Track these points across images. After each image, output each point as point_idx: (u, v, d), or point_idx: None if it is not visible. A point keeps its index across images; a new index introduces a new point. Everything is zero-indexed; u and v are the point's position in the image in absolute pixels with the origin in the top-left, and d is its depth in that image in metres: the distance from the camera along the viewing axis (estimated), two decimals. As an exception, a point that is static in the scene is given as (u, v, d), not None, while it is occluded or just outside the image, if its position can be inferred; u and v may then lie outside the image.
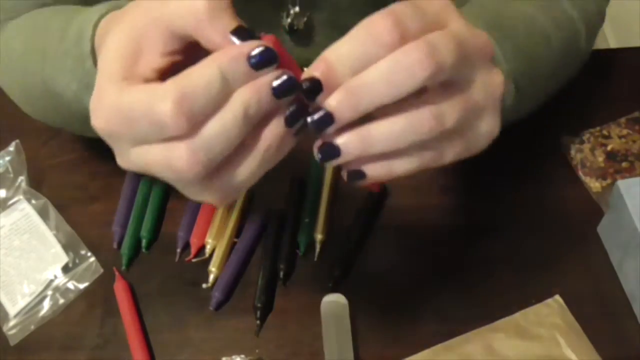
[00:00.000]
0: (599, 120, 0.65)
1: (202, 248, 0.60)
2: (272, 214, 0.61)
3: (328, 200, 0.61)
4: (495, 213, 0.61)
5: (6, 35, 0.55)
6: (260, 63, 0.31)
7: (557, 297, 0.55)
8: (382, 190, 0.62)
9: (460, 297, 0.56)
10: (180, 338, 0.56)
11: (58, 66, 0.46)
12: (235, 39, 0.32)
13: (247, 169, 0.33)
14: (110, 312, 0.57)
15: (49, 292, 0.59)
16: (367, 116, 0.33)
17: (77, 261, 0.60)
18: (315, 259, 0.59)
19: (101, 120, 0.33)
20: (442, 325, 0.54)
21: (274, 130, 0.33)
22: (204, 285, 0.58)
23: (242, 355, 0.54)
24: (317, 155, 0.34)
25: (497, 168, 0.60)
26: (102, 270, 0.60)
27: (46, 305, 0.58)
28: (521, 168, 0.63)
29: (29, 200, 0.64)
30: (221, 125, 0.31)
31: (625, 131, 0.64)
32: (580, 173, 0.62)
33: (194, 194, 0.34)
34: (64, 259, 0.60)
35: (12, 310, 0.58)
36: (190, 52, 0.34)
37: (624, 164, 0.62)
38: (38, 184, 0.65)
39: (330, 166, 0.34)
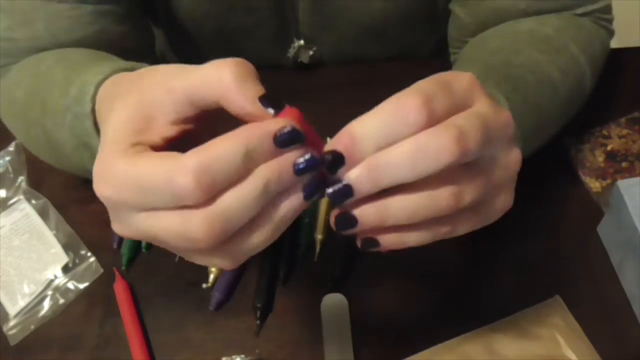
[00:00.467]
0: (599, 120, 0.65)
1: (202, 248, 0.60)
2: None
3: (328, 200, 0.61)
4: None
5: (8, 82, 0.55)
6: (286, 142, 0.31)
7: (557, 297, 0.55)
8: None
9: (460, 297, 0.56)
10: (180, 338, 0.56)
11: (58, 121, 0.46)
12: (263, 107, 0.32)
13: (261, 237, 0.33)
14: (110, 312, 0.57)
15: (49, 292, 0.59)
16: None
17: (77, 261, 0.60)
18: (315, 259, 0.59)
19: (107, 188, 0.32)
20: (442, 325, 0.54)
21: (292, 203, 0.33)
22: (204, 285, 0.58)
23: (242, 355, 0.54)
24: (333, 224, 0.34)
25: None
26: (102, 270, 0.60)
27: (46, 305, 0.58)
28: (521, 168, 0.63)
29: (29, 200, 0.64)
30: (240, 199, 0.31)
31: (625, 131, 0.64)
32: (580, 173, 0.62)
33: (202, 260, 0.34)
34: (64, 259, 0.60)
35: (12, 310, 0.58)
36: (201, 122, 0.34)
37: (624, 164, 0.62)
38: (38, 184, 0.65)
39: (344, 232, 0.34)
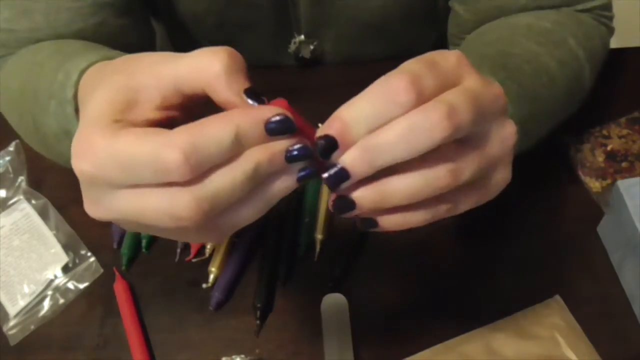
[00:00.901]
0: (599, 120, 0.65)
1: (202, 248, 0.60)
2: (272, 214, 0.61)
3: (328, 200, 0.61)
4: (495, 213, 0.61)
5: (5, 72, 0.56)
6: (277, 130, 0.31)
7: (557, 297, 0.55)
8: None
9: (460, 297, 0.56)
10: (180, 338, 0.56)
11: (44, 108, 0.46)
12: (248, 100, 0.32)
13: (249, 214, 0.33)
14: (110, 312, 0.57)
15: (49, 292, 0.59)
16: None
17: (77, 261, 0.60)
18: (315, 259, 0.59)
19: (87, 163, 0.31)
20: (442, 325, 0.54)
21: (284, 184, 0.33)
22: (204, 285, 0.58)
23: (242, 355, 0.54)
24: (331, 208, 0.34)
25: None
26: (102, 270, 0.60)
27: (46, 305, 0.58)
28: (521, 168, 0.63)
29: (29, 200, 0.64)
30: (230, 180, 0.31)
31: (625, 131, 0.64)
32: (580, 173, 0.62)
33: (186, 237, 0.34)
34: (64, 259, 0.60)
35: (12, 310, 0.58)
36: (185, 110, 0.34)
37: (624, 164, 0.62)
38: (38, 184, 0.65)
39: (344, 216, 0.34)
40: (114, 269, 0.59)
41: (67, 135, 0.44)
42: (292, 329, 0.56)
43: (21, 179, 0.65)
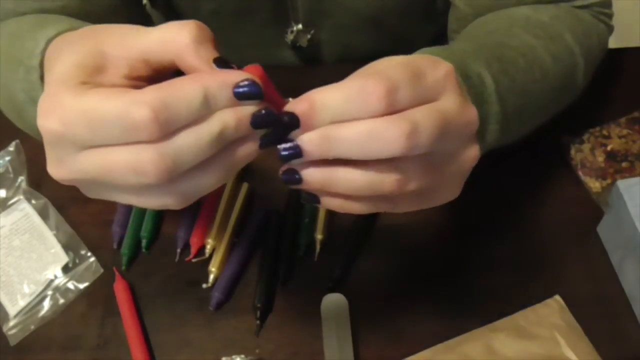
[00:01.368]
0: (599, 120, 0.65)
1: (202, 248, 0.60)
2: (272, 214, 0.61)
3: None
4: (495, 213, 0.61)
5: None
6: (245, 95, 0.32)
7: (557, 297, 0.55)
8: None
9: (460, 297, 0.56)
10: (180, 338, 0.56)
11: (15, 76, 0.46)
12: (218, 68, 0.33)
13: (212, 179, 0.34)
14: (110, 312, 0.57)
15: (49, 292, 0.59)
16: None
17: (77, 261, 0.60)
18: (315, 259, 0.59)
19: (54, 121, 0.31)
20: (442, 325, 0.54)
21: (247, 149, 0.34)
22: (204, 285, 0.58)
23: (242, 355, 0.54)
24: (280, 175, 0.35)
25: (498, 168, 0.60)
26: (102, 270, 0.60)
27: (46, 305, 0.58)
28: (521, 168, 0.63)
29: (29, 200, 0.64)
30: (195, 139, 0.31)
31: (625, 131, 0.64)
32: (580, 173, 0.62)
33: (150, 200, 0.34)
34: (64, 259, 0.60)
35: (12, 310, 0.58)
36: (152, 82, 0.34)
37: (624, 164, 0.62)
38: (38, 184, 0.65)
39: (289, 187, 0.36)
40: (114, 269, 0.59)
41: (33, 102, 0.44)
42: (292, 329, 0.56)
43: (21, 179, 0.65)
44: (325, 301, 0.55)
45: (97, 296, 0.59)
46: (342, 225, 0.60)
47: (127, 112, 0.30)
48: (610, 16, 0.61)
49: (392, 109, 0.32)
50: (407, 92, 0.33)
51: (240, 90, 0.32)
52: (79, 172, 0.33)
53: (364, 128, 0.32)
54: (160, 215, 0.62)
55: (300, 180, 0.35)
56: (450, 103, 0.34)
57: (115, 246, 0.61)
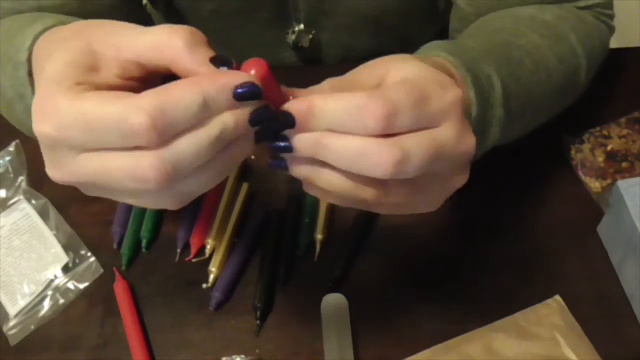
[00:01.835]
0: (599, 120, 0.65)
1: (202, 248, 0.60)
2: (272, 213, 0.61)
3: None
4: (495, 213, 0.61)
5: None
6: (244, 96, 0.32)
7: (557, 297, 0.55)
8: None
9: (460, 297, 0.56)
10: (180, 338, 0.56)
11: (4, 72, 0.46)
12: (214, 66, 0.33)
13: (210, 178, 0.33)
14: (110, 312, 0.57)
15: (49, 292, 0.59)
16: None
17: (77, 261, 0.60)
18: (315, 259, 0.59)
19: (49, 125, 0.31)
20: (442, 325, 0.54)
21: (243, 148, 0.34)
22: (204, 285, 0.58)
23: (242, 355, 0.54)
24: (269, 155, 0.35)
25: (498, 168, 0.60)
26: (102, 270, 0.60)
27: (46, 305, 0.58)
28: (521, 168, 0.63)
29: (29, 200, 0.64)
30: (195, 144, 0.31)
31: (625, 131, 0.64)
32: (580, 173, 0.62)
33: (150, 200, 0.34)
34: (64, 259, 0.60)
35: (12, 310, 0.58)
36: (146, 80, 0.35)
37: (624, 164, 0.62)
38: (38, 184, 0.65)
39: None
40: (114, 269, 0.59)
41: (22, 98, 0.44)
42: (292, 329, 0.56)
43: (21, 179, 0.65)
44: (325, 301, 0.55)
45: (97, 296, 0.59)
46: (342, 225, 0.60)
47: (124, 119, 0.30)
48: (611, 17, 0.61)
49: (388, 131, 0.32)
50: (407, 118, 0.33)
51: (240, 91, 0.32)
52: (77, 174, 0.33)
53: (356, 145, 0.32)
54: (160, 215, 0.62)
55: (287, 169, 0.35)
56: (450, 132, 0.34)
57: (115, 246, 0.61)
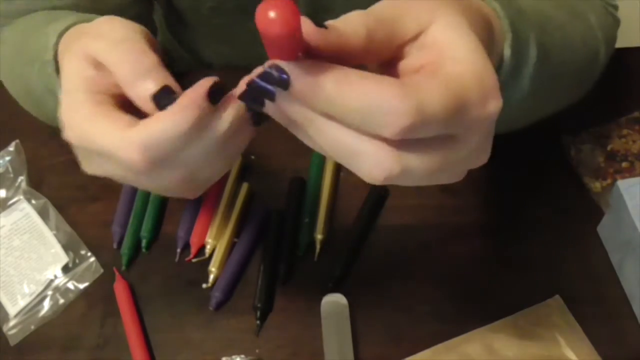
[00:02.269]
0: (599, 120, 0.65)
1: (202, 248, 0.60)
2: (272, 214, 0.61)
3: (328, 200, 0.61)
4: (495, 213, 0.61)
5: (2, 40, 0.57)
6: (218, 98, 0.33)
7: (557, 297, 0.55)
8: (384, 190, 0.62)
9: (460, 297, 0.56)
10: (180, 338, 0.56)
11: (31, 70, 0.47)
12: (155, 106, 0.34)
13: (218, 169, 0.36)
14: (110, 312, 0.57)
15: (49, 292, 0.59)
16: None
17: (77, 261, 0.60)
18: (315, 259, 0.59)
19: (71, 135, 0.36)
20: (442, 325, 0.54)
21: (245, 137, 0.35)
22: (204, 285, 0.58)
23: (242, 355, 0.54)
24: (249, 82, 0.31)
25: (497, 168, 0.60)
26: (102, 270, 0.60)
27: (46, 305, 0.58)
28: (521, 168, 0.63)
29: (29, 200, 0.64)
30: (202, 154, 0.34)
31: (625, 131, 0.64)
32: (580, 173, 0.62)
33: (171, 194, 0.38)
34: (64, 259, 0.60)
35: (12, 310, 0.58)
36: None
37: (624, 164, 0.62)
38: (38, 184, 0.65)
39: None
40: (114, 269, 0.59)
41: (51, 93, 0.46)
42: (292, 329, 0.56)
43: (21, 179, 0.65)
44: (325, 301, 0.55)
45: (97, 296, 0.59)
46: (342, 225, 0.60)
47: (117, 154, 0.33)
48: (616, 9, 0.60)
49: (405, 137, 0.27)
50: (433, 130, 0.28)
51: (215, 95, 0.33)
52: (101, 172, 0.37)
53: (366, 104, 0.28)
54: (160, 215, 0.62)
55: (263, 113, 0.31)
56: (470, 145, 0.31)
57: (115, 246, 0.61)
